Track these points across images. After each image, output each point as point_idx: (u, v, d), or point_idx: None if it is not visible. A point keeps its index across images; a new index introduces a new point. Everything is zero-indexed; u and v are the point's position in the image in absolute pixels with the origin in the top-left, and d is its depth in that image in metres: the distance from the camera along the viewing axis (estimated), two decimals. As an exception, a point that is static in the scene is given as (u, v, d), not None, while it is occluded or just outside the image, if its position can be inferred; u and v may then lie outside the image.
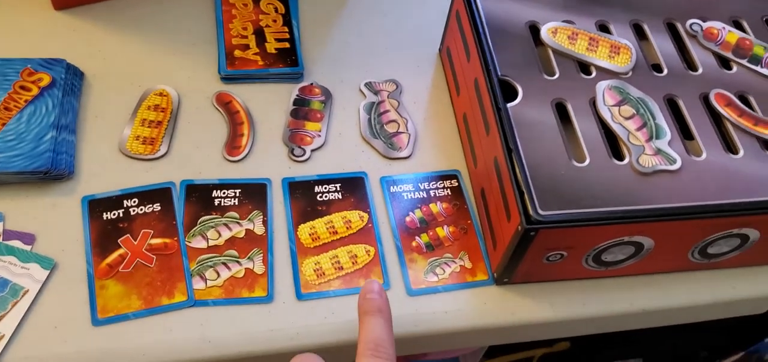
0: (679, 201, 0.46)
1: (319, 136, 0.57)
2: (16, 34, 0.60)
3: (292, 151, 0.56)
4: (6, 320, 0.45)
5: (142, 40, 0.62)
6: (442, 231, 0.53)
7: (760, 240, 0.50)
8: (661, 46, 0.56)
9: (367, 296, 0.43)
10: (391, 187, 0.55)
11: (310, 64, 0.62)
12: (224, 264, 0.49)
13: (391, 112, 0.60)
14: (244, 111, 0.58)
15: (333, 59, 0.63)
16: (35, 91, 0.54)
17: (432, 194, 0.55)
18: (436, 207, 0.54)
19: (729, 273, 0.53)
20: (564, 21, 0.56)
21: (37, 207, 0.50)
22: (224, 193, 0.53)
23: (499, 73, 0.51)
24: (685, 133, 0.50)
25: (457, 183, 0.56)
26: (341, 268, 0.50)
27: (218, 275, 0.49)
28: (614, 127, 0.50)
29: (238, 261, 0.50)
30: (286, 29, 0.64)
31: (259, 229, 0.51)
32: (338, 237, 0.52)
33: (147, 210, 0.51)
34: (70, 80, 0.56)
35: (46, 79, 0.55)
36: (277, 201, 0.53)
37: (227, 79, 0.60)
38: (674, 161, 0.48)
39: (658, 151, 0.48)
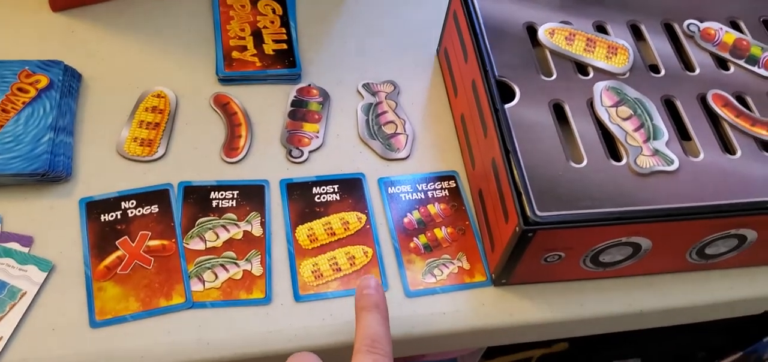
0: (676, 202, 0.46)
1: (317, 137, 0.57)
2: (14, 35, 0.60)
3: (289, 152, 0.56)
4: (4, 322, 0.45)
5: (140, 41, 0.62)
6: (440, 233, 0.53)
7: (758, 240, 0.50)
8: (659, 46, 0.56)
9: (363, 292, 0.42)
10: (389, 188, 0.55)
11: (307, 65, 0.62)
12: (222, 265, 0.49)
13: (389, 113, 0.60)
14: (241, 112, 0.58)
15: (331, 60, 0.63)
16: (33, 93, 0.54)
17: (430, 195, 0.55)
18: (434, 209, 0.54)
19: (727, 273, 0.53)
20: (561, 22, 0.56)
21: (35, 210, 0.50)
22: (222, 195, 0.53)
23: (497, 74, 0.51)
24: (682, 133, 0.50)
25: (454, 185, 0.56)
26: (339, 270, 0.50)
27: (216, 277, 0.49)
28: (612, 127, 0.50)
29: (236, 263, 0.49)
30: (284, 30, 0.64)
31: (257, 231, 0.51)
32: (336, 238, 0.52)
33: (145, 212, 0.51)
34: (67, 82, 0.56)
35: (43, 81, 0.55)
36: (275, 202, 0.53)
37: (225, 80, 0.60)
38: (672, 162, 0.48)
39: (656, 152, 0.48)
